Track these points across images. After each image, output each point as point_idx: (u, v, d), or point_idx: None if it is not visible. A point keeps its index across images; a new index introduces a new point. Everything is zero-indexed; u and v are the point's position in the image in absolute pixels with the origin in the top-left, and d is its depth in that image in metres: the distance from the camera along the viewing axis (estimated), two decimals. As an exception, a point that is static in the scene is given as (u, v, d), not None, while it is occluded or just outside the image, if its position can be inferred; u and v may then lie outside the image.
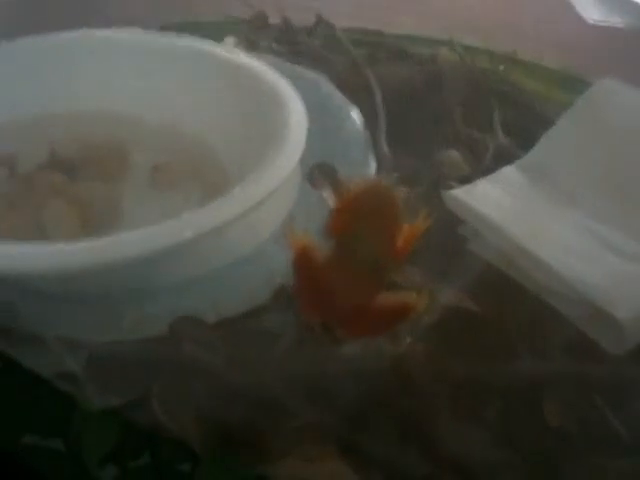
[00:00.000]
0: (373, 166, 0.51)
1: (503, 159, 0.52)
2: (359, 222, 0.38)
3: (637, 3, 0.78)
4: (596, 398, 0.39)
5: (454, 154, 0.54)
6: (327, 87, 0.57)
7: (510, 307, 0.42)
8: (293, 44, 0.69)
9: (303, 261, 0.38)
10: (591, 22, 0.77)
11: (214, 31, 0.66)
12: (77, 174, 0.52)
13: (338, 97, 0.56)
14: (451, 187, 0.48)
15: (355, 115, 0.55)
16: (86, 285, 0.42)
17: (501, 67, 0.64)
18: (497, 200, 0.47)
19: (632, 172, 0.48)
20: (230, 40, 0.66)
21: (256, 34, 0.70)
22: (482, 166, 0.53)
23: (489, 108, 0.57)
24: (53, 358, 0.39)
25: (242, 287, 0.43)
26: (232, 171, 0.51)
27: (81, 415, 0.39)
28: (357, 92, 0.58)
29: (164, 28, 0.63)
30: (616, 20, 0.78)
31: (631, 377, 0.40)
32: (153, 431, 0.38)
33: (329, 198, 0.48)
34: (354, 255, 0.37)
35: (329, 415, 0.37)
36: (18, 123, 0.54)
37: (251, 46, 0.66)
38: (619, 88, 0.52)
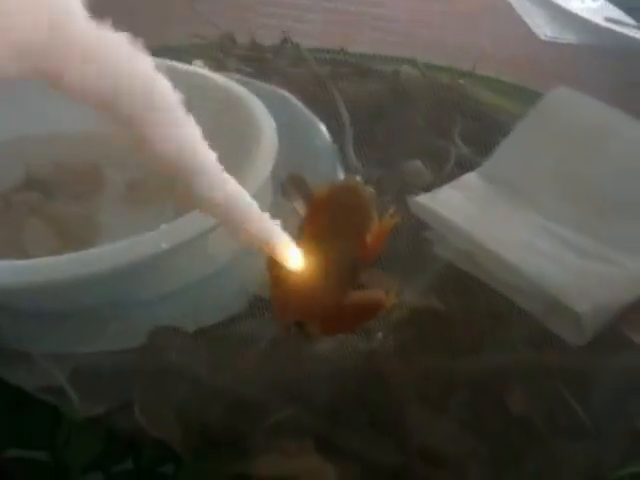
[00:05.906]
0: (342, 177, 0.53)
1: (464, 167, 0.54)
2: (331, 222, 0.38)
3: (588, 20, 0.81)
4: (558, 387, 0.40)
5: (418, 164, 0.55)
6: (294, 104, 0.58)
7: (474, 304, 0.43)
8: (260, 63, 0.71)
9: (276, 265, 0.38)
10: (544, 39, 0.79)
11: (182, 53, 0.67)
12: (53, 193, 0.53)
13: (305, 113, 0.57)
14: (416, 195, 0.50)
15: (322, 129, 0.56)
16: (65, 298, 0.42)
17: (461, 81, 0.66)
18: (460, 205, 0.48)
19: (586, 174, 0.49)
20: (198, 61, 0.68)
21: (224, 54, 0.71)
22: (444, 174, 0.54)
23: (450, 120, 0.59)
24: (37, 372, 0.39)
25: (218, 298, 0.44)
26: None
27: (66, 426, 0.39)
28: (323, 107, 0.59)
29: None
30: (568, 37, 0.81)
31: (589, 366, 0.41)
32: (136, 436, 0.38)
33: (300, 209, 0.49)
34: (326, 255, 0.37)
35: (306, 411, 0.38)
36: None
37: (219, 66, 0.67)
38: (572, 96, 0.53)
